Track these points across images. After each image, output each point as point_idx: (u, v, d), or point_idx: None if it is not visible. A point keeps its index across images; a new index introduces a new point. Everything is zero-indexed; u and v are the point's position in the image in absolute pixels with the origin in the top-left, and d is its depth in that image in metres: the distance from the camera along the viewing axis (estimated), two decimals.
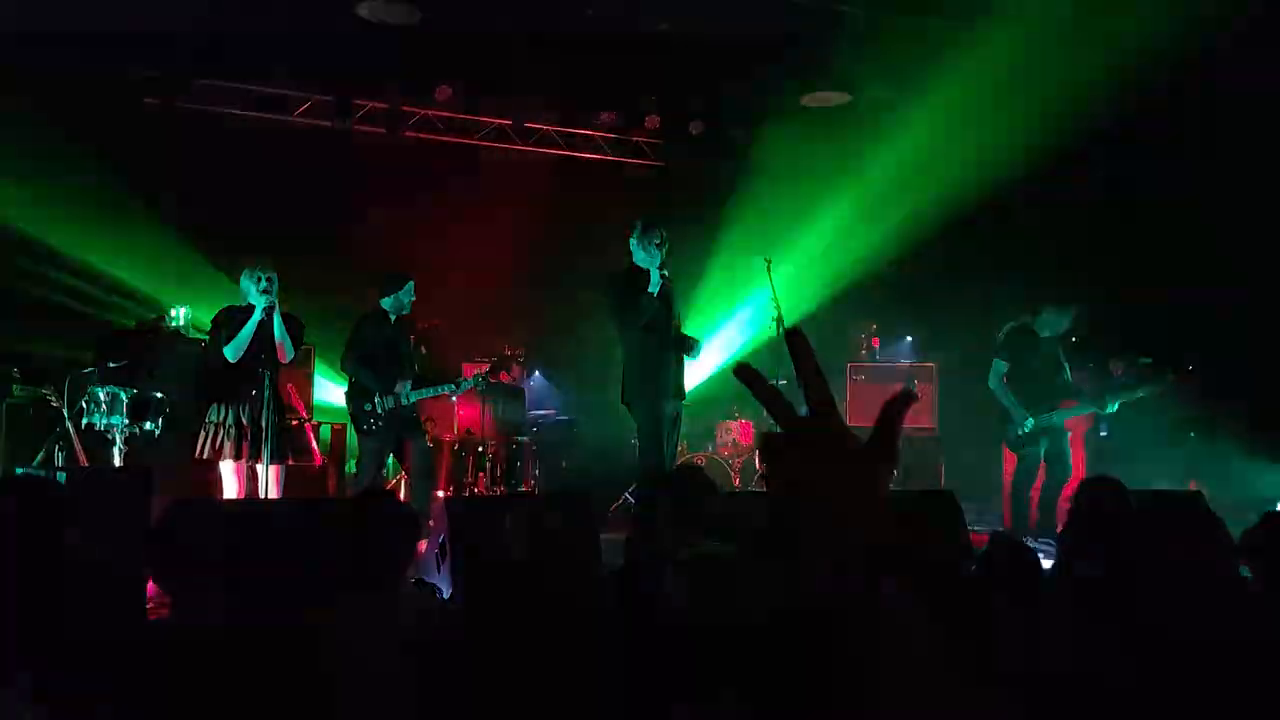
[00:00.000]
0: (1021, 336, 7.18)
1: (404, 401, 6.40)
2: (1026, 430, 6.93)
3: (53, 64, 7.80)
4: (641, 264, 6.00)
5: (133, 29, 7.56)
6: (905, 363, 9.93)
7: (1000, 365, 7.07)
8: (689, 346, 6.13)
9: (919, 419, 9.48)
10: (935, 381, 9.54)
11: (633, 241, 6.06)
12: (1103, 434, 8.00)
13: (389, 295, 6.46)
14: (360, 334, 6.49)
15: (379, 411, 6.36)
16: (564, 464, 9.09)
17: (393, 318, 6.52)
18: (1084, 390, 7.31)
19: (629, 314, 5.93)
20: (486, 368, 7.69)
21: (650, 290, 5.91)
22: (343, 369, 6.55)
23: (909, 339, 10.31)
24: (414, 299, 6.52)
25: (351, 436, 8.41)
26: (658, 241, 5.96)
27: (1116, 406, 7.08)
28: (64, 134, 7.72)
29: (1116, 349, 8.48)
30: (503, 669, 1.91)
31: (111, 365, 5.89)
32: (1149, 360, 8.19)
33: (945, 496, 5.45)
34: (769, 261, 6.45)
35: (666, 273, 5.95)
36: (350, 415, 6.54)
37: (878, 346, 10.06)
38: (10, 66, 7.40)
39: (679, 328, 6.16)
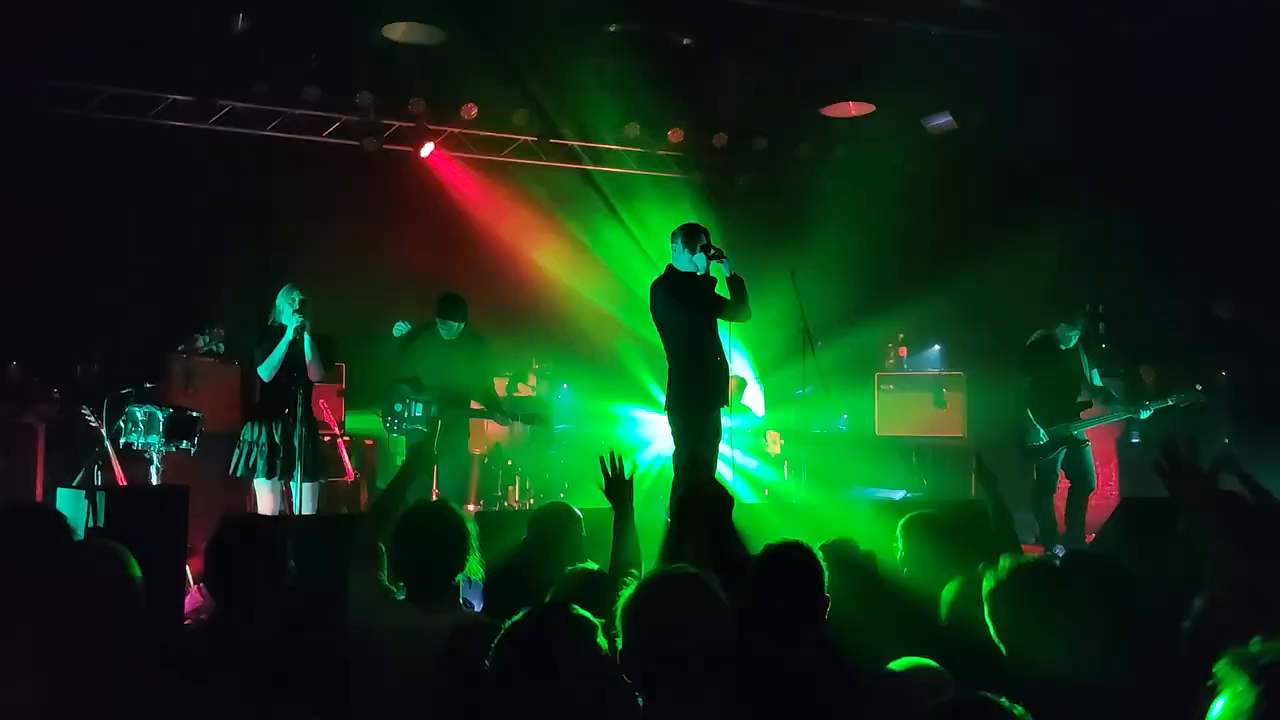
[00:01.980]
0: (1040, 350, 7.22)
1: (421, 413, 6.43)
2: (1040, 442, 6.94)
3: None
4: (685, 268, 6.00)
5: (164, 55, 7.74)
6: (933, 372, 9.88)
7: (1022, 379, 7.10)
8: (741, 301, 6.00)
9: (949, 428, 9.44)
10: (964, 391, 9.49)
11: (676, 245, 6.06)
12: (1134, 441, 7.93)
13: (438, 313, 6.56)
14: (411, 338, 6.61)
15: (406, 415, 6.45)
16: (592, 477, 9.09)
17: (448, 336, 6.57)
18: (1115, 396, 7.28)
19: (676, 313, 5.91)
20: (526, 390, 7.64)
21: (701, 288, 5.90)
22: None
23: (937, 348, 10.25)
24: (464, 314, 6.54)
25: (383, 451, 8.50)
26: (702, 244, 5.95)
27: (1151, 412, 7.05)
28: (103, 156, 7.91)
29: (1147, 356, 8.41)
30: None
31: (148, 385, 5.98)
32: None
33: (975, 506, 5.42)
34: (794, 273, 6.44)
35: (716, 254, 5.93)
36: (382, 414, 6.65)
37: (905, 356, 10.02)
38: None
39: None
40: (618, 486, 3.17)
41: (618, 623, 1.97)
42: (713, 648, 1.92)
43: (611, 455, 3.22)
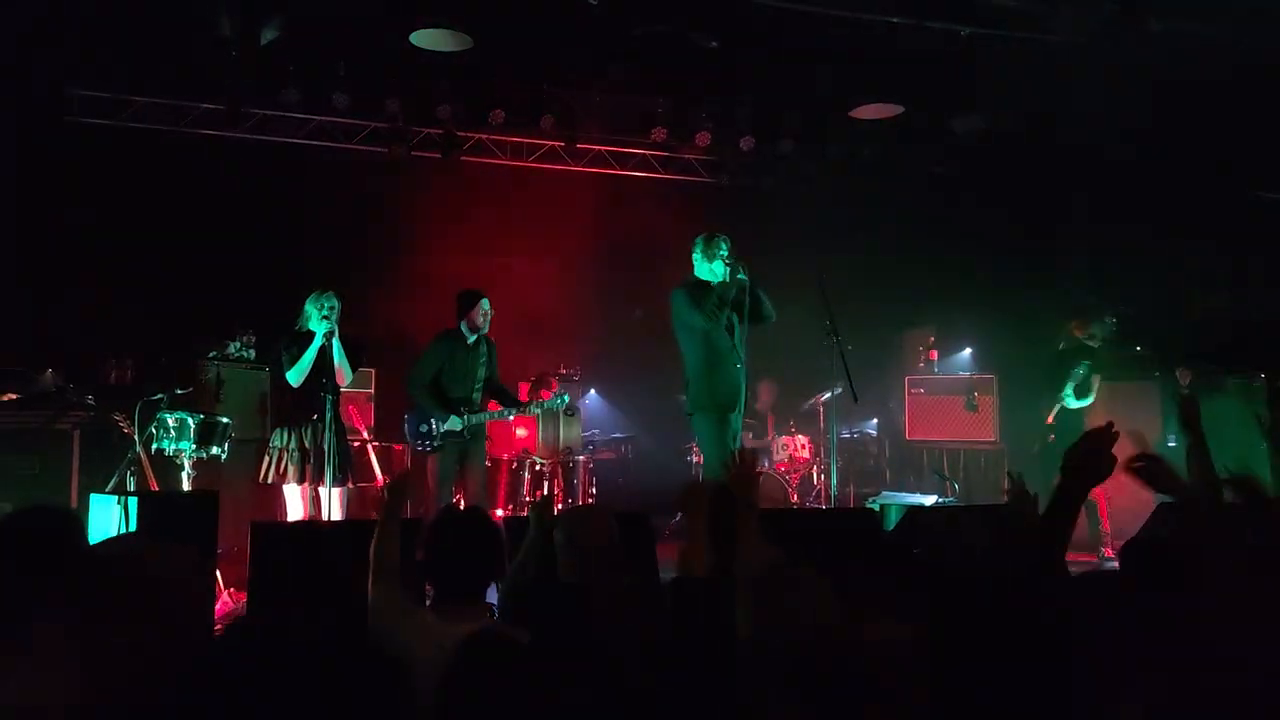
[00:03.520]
0: (1068, 354, 7.77)
1: (455, 426, 6.42)
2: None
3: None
4: (705, 276, 6.00)
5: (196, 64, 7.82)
6: (965, 375, 9.78)
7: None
8: (758, 305, 6.06)
9: (981, 432, 9.34)
10: (996, 394, 9.38)
11: (696, 254, 6.06)
12: (1170, 444, 7.80)
13: (461, 313, 6.52)
14: (430, 353, 6.56)
15: (434, 433, 6.41)
16: (621, 481, 9.10)
17: (470, 338, 6.55)
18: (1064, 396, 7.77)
19: (695, 322, 5.91)
20: (548, 395, 7.62)
21: (718, 294, 5.88)
22: (407, 387, 6.61)
23: (968, 350, 10.15)
24: (490, 314, 6.53)
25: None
26: (723, 252, 5.95)
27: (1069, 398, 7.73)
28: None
29: (1183, 358, 8.30)
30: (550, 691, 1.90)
31: (179, 391, 6.03)
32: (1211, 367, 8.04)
33: (1004, 511, 5.35)
34: (822, 276, 6.39)
35: (742, 275, 5.91)
36: (407, 435, 6.60)
37: (936, 359, 9.93)
38: None
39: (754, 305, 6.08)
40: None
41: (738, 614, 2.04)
42: (830, 643, 1.98)
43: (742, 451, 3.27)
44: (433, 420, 6.42)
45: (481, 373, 6.59)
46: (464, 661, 1.96)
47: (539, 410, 7.03)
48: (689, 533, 3.21)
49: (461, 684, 1.90)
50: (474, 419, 6.51)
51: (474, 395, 6.56)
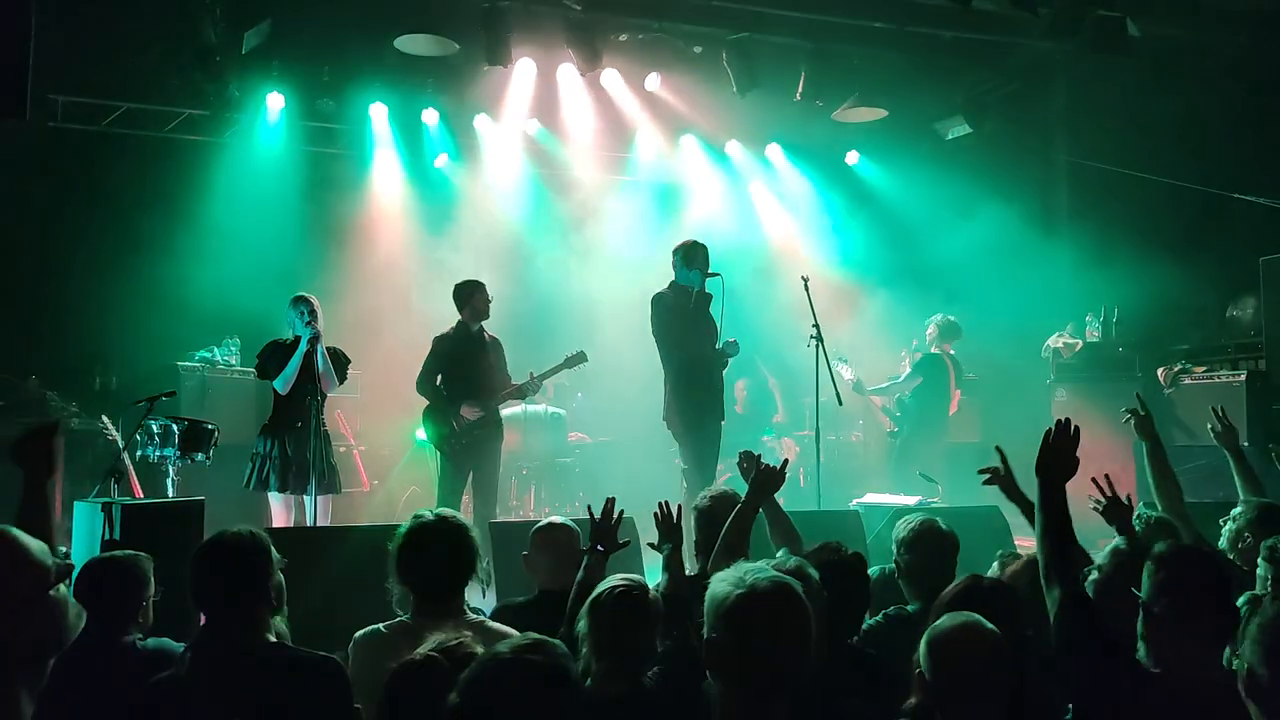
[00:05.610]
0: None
1: (474, 416, 6.36)
2: None
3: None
4: (685, 283, 6.05)
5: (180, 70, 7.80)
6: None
7: None
8: (729, 351, 6.12)
9: (964, 433, 9.37)
10: (979, 395, 9.42)
11: (677, 260, 6.11)
12: None
13: (461, 306, 6.44)
14: (435, 353, 6.46)
15: (458, 430, 6.36)
16: (607, 486, 9.08)
17: (474, 328, 6.46)
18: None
19: (675, 326, 5.94)
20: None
21: (695, 301, 5.93)
22: (418, 391, 6.52)
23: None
24: (489, 301, 6.42)
25: (401, 461, 8.50)
26: (701, 260, 6.00)
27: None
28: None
29: (1164, 358, 8.37)
30: None
31: (164, 397, 6.00)
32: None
33: (991, 512, 5.41)
34: (806, 279, 6.42)
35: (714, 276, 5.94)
36: (431, 440, 6.51)
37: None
38: None
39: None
40: (670, 530, 3.22)
41: (707, 619, 2.03)
42: (801, 651, 1.97)
43: (666, 505, 3.29)
44: (452, 420, 6.35)
45: (489, 364, 6.46)
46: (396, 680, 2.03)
47: (541, 380, 6.74)
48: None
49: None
50: (490, 406, 6.39)
51: (487, 389, 6.43)
